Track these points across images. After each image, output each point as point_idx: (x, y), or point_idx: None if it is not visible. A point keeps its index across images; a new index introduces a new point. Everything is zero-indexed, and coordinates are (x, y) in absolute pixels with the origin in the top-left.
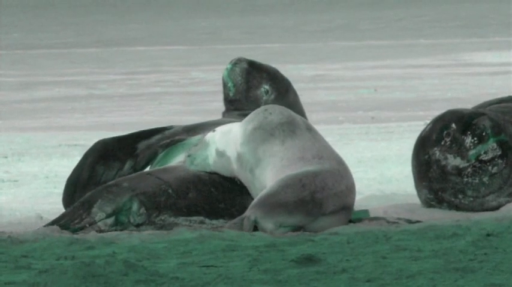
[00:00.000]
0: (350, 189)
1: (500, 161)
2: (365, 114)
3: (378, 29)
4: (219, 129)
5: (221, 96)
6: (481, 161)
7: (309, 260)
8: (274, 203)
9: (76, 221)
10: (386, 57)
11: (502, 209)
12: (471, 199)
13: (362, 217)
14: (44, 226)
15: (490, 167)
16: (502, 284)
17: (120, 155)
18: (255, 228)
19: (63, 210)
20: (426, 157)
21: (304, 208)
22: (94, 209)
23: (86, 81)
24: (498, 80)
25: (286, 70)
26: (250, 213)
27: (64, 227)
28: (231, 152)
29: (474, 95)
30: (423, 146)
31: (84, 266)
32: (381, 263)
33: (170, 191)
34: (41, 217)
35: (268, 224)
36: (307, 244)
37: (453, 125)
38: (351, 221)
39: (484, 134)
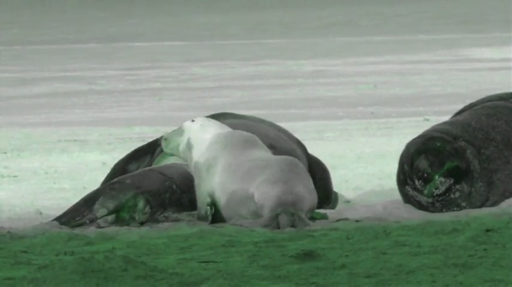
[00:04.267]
0: None
1: (458, 186)
2: (365, 110)
3: (377, 24)
4: (199, 120)
5: (220, 92)
6: (439, 195)
7: (308, 255)
8: (299, 194)
9: (77, 219)
10: (386, 53)
11: (502, 204)
12: None
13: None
14: (46, 223)
15: (452, 195)
16: (501, 280)
17: (149, 149)
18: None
19: (62, 206)
20: (405, 192)
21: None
22: (96, 206)
23: (85, 77)
24: (498, 76)
25: (286, 66)
26: (281, 210)
27: (65, 224)
28: (196, 150)
29: (474, 90)
30: (399, 183)
31: (84, 262)
32: (380, 258)
33: (174, 187)
34: (41, 213)
35: (306, 214)
36: (307, 240)
37: (405, 167)
38: (312, 218)
39: (425, 175)
